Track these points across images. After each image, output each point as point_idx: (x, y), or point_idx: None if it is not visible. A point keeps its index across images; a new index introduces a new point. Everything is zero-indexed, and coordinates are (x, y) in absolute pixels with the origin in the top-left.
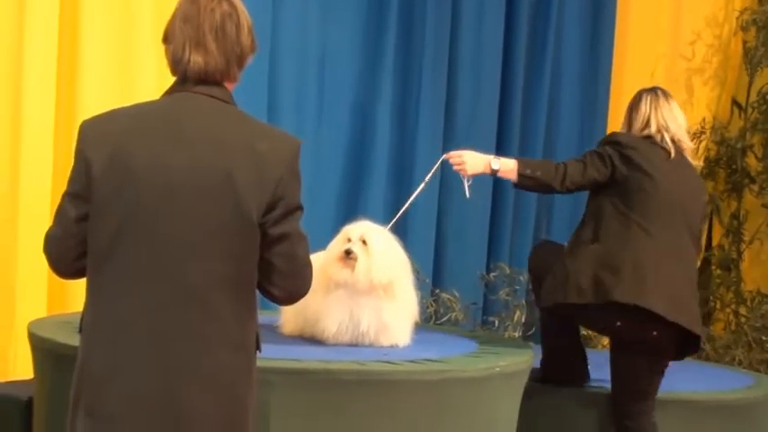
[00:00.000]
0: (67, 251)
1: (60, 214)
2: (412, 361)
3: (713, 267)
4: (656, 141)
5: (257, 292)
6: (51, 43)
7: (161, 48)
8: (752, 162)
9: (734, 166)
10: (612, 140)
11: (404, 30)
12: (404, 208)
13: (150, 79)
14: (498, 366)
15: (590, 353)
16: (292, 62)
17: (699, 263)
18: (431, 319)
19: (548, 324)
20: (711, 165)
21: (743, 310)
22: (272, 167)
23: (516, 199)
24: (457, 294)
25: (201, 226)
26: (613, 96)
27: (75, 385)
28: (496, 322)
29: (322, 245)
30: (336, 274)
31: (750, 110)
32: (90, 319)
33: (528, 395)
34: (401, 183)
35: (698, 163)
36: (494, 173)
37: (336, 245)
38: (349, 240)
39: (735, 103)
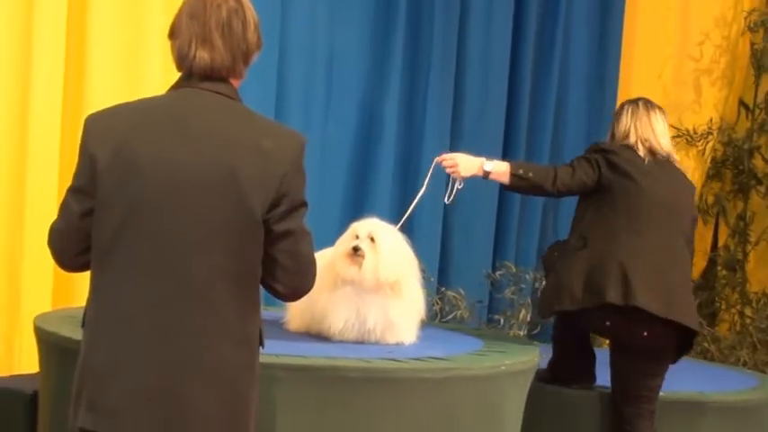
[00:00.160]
0: (70, 246)
1: (64, 209)
2: (417, 359)
3: (719, 268)
4: (637, 150)
5: (261, 288)
6: (59, 39)
7: (168, 43)
8: (759, 163)
9: (740, 167)
10: (597, 148)
11: (412, 28)
12: (407, 214)
13: (157, 75)
14: (504, 365)
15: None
16: (301, 60)
17: (704, 264)
18: (436, 317)
19: (560, 324)
20: (718, 165)
21: (748, 311)
22: (277, 164)
23: (523, 198)
24: (462, 292)
25: (205, 222)
26: (621, 96)
27: (77, 379)
28: (502, 321)
29: (329, 242)
30: (344, 270)
31: (757, 111)
32: (93, 314)
33: (533, 395)
34: (408, 181)
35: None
36: (486, 175)
37: (344, 242)
38: (357, 237)
39: (742, 104)
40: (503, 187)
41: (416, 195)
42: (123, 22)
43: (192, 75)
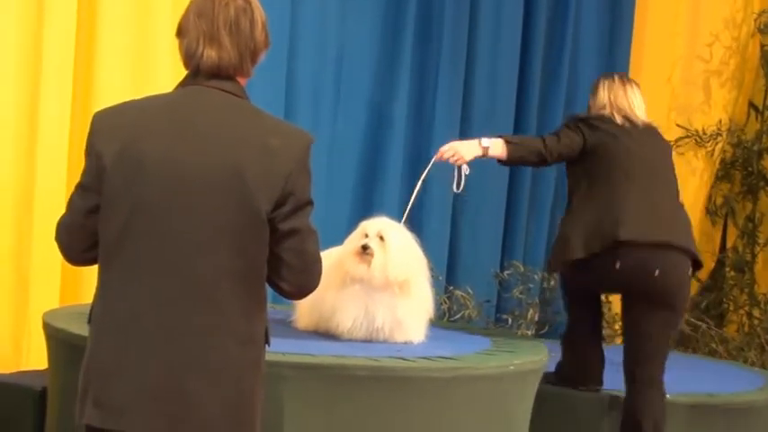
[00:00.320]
0: (77, 242)
1: (71, 205)
2: (425, 358)
3: (727, 269)
4: (613, 119)
5: (267, 286)
6: (69, 37)
7: (177, 42)
8: None
9: (750, 169)
10: (576, 117)
11: (421, 27)
12: (406, 211)
13: (166, 73)
14: (512, 364)
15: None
16: (310, 59)
17: (713, 265)
18: (444, 317)
19: (575, 326)
20: (727, 167)
21: (756, 313)
22: (282, 163)
23: (531, 198)
24: (471, 292)
25: (210, 221)
26: None
27: (83, 377)
28: (510, 320)
29: (337, 240)
30: (353, 268)
31: (767, 113)
32: (99, 311)
33: (539, 396)
34: (417, 179)
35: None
36: (485, 151)
37: (353, 240)
38: (366, 236)
39: (752, 105)
40: (499, 162)
41: (414, 190)
42: (133, 20)
43: (199, 73)
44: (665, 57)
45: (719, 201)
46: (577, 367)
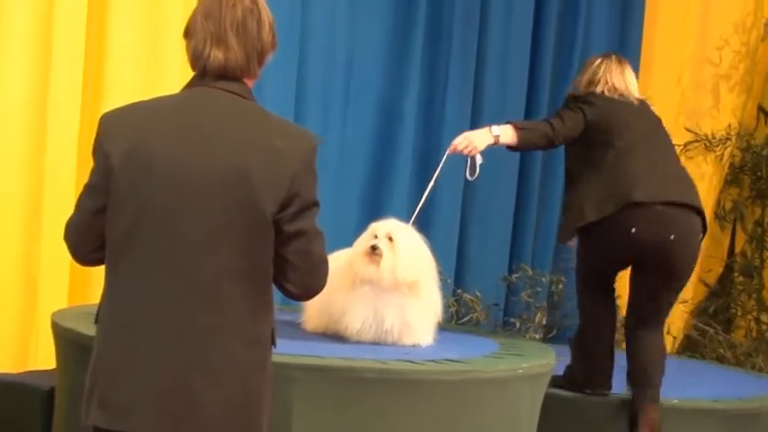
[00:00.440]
0: (85, 242)
1: (79, 205)
2: (434, 361)
3: (735, 274)
4: (604, 94)
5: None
6: (79, 37)
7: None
8: None
9: (759, 173)
10: (571, 98)
11: (431, 27)
12: (417, 208)
13: (176, 74)
14: (521, 368)
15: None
16: (320, 59)
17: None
18: (452, 320)
19: (587, 327)
20: (736, 171)
21: (764, 318)
22: (288, 164)
23: (540, 200)
24: (479, 295)
25: (216, 222)
26: None
27: (90, 377)
28: (518, 324)
29: (347, 242)
30: (362, 269)
31: None
32: (106, 311)
33: (548, 401)
34: (427, 180)
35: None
36: (496, 139)
37: (363, 241)
38: (375, 237)
39: (761, 110)
40: (509, 149)
41: (426, 188)
42: (142, 21)
43: (205, 74)
44: (675, 60)
45: (728, 205)
46: (587, 371)
